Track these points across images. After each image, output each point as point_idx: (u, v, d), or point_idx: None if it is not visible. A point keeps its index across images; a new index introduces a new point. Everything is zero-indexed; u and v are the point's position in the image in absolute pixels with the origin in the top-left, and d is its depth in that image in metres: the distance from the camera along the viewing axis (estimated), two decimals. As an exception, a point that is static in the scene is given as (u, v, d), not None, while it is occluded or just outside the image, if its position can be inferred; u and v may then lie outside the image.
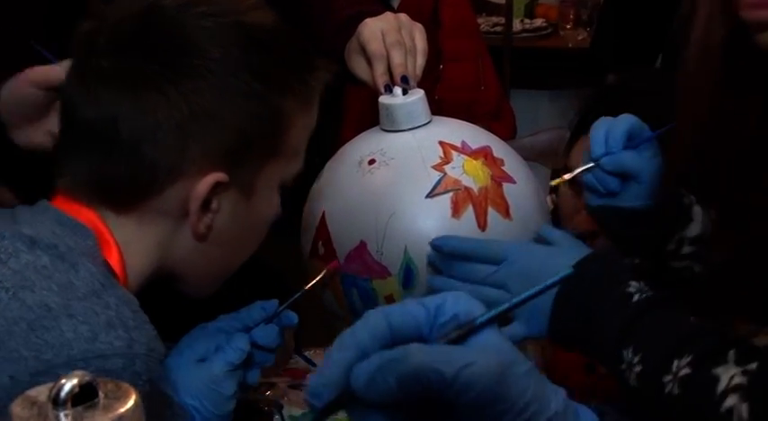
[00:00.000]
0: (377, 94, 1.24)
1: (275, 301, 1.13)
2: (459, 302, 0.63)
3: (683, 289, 1.17)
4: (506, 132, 2.48)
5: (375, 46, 1.24)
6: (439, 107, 1.34)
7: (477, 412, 0.59)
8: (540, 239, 1.12)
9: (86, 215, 1.00)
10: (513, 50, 3.31)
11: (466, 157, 1.17)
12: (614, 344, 0.98)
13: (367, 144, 1.21)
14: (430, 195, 1.14)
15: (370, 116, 1.30)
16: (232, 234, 1.06)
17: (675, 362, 0.94)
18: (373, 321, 0.62)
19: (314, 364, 1.30)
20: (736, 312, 1.03)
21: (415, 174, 1.15)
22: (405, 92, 1.21)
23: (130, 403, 0.49)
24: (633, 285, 1.01)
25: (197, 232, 1.03)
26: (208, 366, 1.08)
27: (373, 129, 1.24)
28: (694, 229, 1.19)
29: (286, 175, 1.08)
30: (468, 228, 1.13)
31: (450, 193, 1.14)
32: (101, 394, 0.49)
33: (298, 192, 1.27)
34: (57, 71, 1.16)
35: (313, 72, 1.08)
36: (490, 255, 1.10)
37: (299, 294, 1.15)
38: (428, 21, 2.32)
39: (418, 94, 1.21)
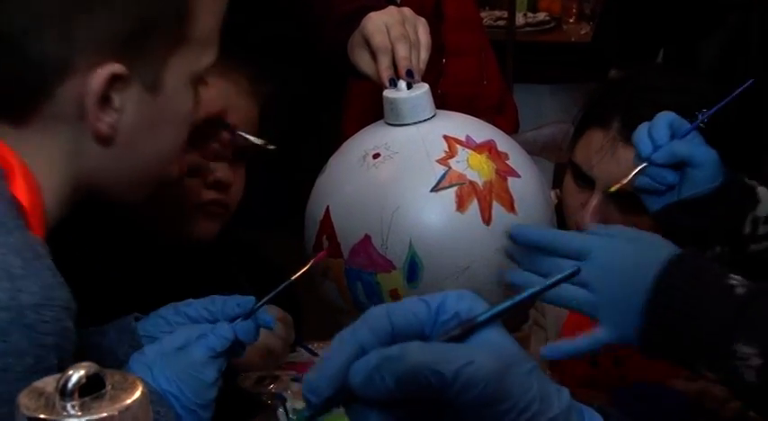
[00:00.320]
0: (379, 87, 1.24)
1: (252, 299, 1.08)
2: (461, 300, 0.62)
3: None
4: (509, 126, 2.48)
5: (379, 39, 1.24)
6: (442, 101, 1.33)
7: (478, 412, 0.58)
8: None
9: None
10: (516, 44, 3.32)
11: (470, 151, 1.17)
12: (724, 340, 0.92)
13: (371, 138, 1.21)
14: (434, 189, 1.14)
15: (372, 110, 1.30)
16: (143, 134, 0.98)
17: None
18: (374, 318, 0.61)
19: (316, 354, 1.30)
20: None
21: (419, 168, 1.15)
22: (409, 86, 1.21)
23: (137, 394, 0.49)
24: (734, 278, 0.96)
25: (99, 133, 0.94)
26: (188, 352, 1.02)
27: (377, 123, 1.24)
28: (764, 209, 1.19)
29: (198, 68, 1.00)
30: (472, 222, 1.13)
31: (455, 187, 1.14)
32: (108, 385, 0.49)
33: (301, 186, 1.27)
34: None
35: None
36: (571, 250, 1.03)
37: (283, 285, 1.09)
38: (431, 15, 2.31)
39: (423, 88, 1.21)
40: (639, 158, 1.17)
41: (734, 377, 0.92)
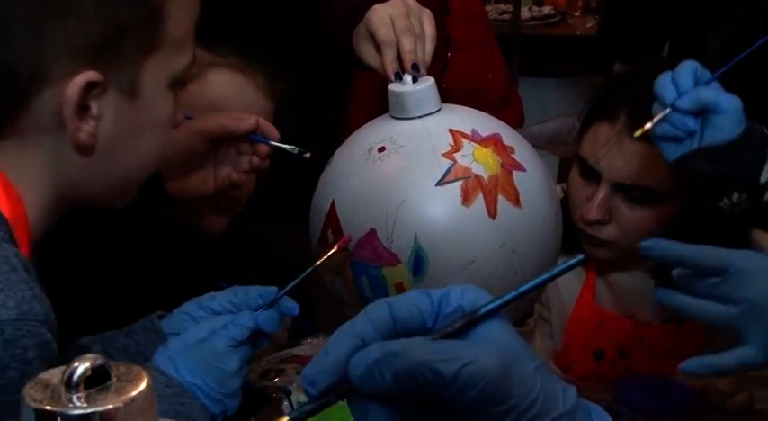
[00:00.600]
0: (385, 81, 1.23)
1: (274, 288, 1.10)
2: (465, 294, 0.61)
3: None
4: (514, 120, 2.47)
5: (384, 32, 1.24)
6: (447, 95, 1.33)
7: (478, 411, 0.58)
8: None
9: None
10: (522, 38, 3.31)
11: (476, 145, 1.17)
12: None
13: (377, 131, 1.21)
14: (440, 183, 1.14)
15: (378, 103, 1.30)
16: (123, 141, 0.96)
17: None
18: (375, 311, 0.60)
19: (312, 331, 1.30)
20: None
21: (425, 161, 1.15)
22: (415, 79, 1.21)
23: (143, 386, 0.49)
24: None
25: (79, 142, 0.93)
26: (210, 342, 1.04)
27: (383, 116, 1.24)
28: None
29: (175, 70, 0.98)
30: (478, 215, 1.13)
31: (461, 181, 1.14)
32: (113, 377, 0.49)
33: (306, 180, 1.27)
34: (223, 120, 1.17)
35: None
36: (709, 265, 1.03)
37: (306, 273, 1.13)
38: (436, 8, 2.30)
39: (428, 82, 1.21)
40: (661, 106, 1.17)
41: None
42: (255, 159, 1.32)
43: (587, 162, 1.53)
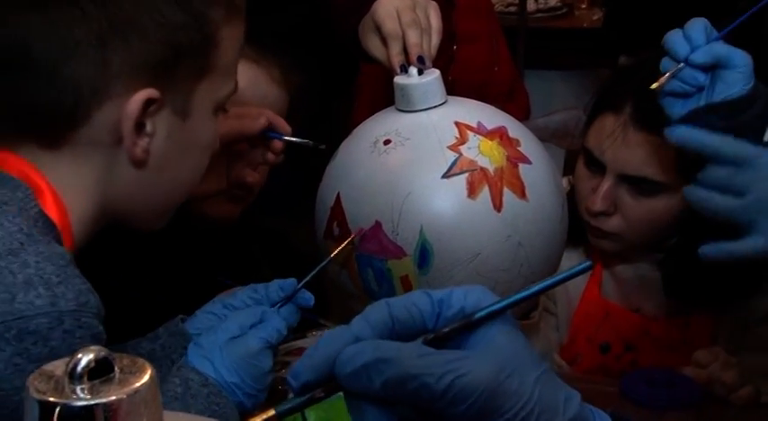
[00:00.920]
0: (390, 73, 1.23)
1: (293, 280, 1.13)
2: (468, 295, 0.60)
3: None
4: (520, 113, 2.47)
5: (390, 25, 1.23)
6: (452, 88, 1.33)
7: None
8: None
9: (16, 165, 0.96)
10: (528, 30, 3.30)
11: (481, 138, 1.16)
12: None
13: (382, 124, 1.21)
14: (446, 176, 1.13)
15: (383, 96, 1.30)
16: (171, 159, 1.01)
17: None
18: (374, 312, 0.59)
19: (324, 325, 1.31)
20: None
21: (430, 154, 1.15)
22: (420, 72, 1.21)
23: (146, 378, 0.49)
24: None
25: (135, 157, 0.98)
26: (244, 342, 1.07)
27: (388, 109, 1.24)
28: None
29: (220, 96, 1.04)
30: (483, 208, 1.13)
31: (466, 174, 1.13)
32: (117, 369, 0.49)
33: (312, 173, 1.27)
34: (233, 124, 1.19)
35: None
36: (728, 154, 1.06)
37: (323, 264, 1.15)
38: (442, 0, 2.30)
39: (434, 75, 1.21)
40: (673, 62, 1.17)
41: None
42: (270, 155, 1.33)
43: (592, 153, 1.52)
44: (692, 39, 1.16)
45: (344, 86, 2.00)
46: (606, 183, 1.50)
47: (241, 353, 1.06)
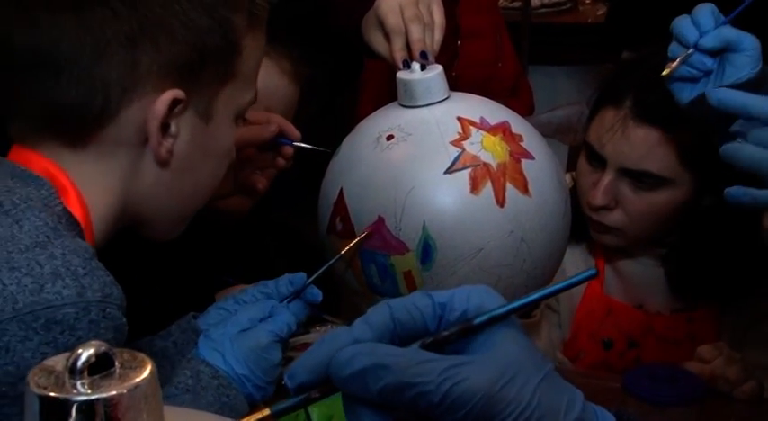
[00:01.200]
0: (394, 69, 1.23)
1: (303, 275, 1.14)
2: (470, 297, 0.59)
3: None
4: (524, 109, 2.46)
5: (393, 21, 1.23)
6: (456, 83, 1.33)
7: None
8: None
9: (40, 163, 0.98)
10: (532, 26, 3.29)
11: (484, 133, 1.16)
12: None
13: (385, 120, 1.21)
14: (448, 171, 1.13)
15: (387, 92, 1.30)
16: (192, 162, 1.03)
17: None
18: (376, 314, 0.59)
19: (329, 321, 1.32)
20: None
21: (433, 149, 1.15)
22: (423, 67, 1.21)
23: (146, 373, 0.49)
24: None
25: (159, 157, 1.00)
26: (254, 335, 1.09)
27: (391, 104, 1.24)
28: None
29: (241, 104, 1.06)
30: (486, 204, 1.13)
31: (469, 169, 1.13)
32: (117, 364, 0.49)
33: (316, 168, 1.27)
34: (244, 134, 1.20)
35: None
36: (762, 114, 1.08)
37: (333, 261, 1.15)
38: (446, -4, 2.30)
39: (437, 70, 1.21)
40: (682, 47, 1.17)
41: None
42: (281, 160, 1.33)
43: (593, 147, 1.53)
44: (701, 24, 1.17)
45: (349, 82, 2.00)
46: (607, 178, 1.50)
47: (251, 346, 1.08)
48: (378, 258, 1.15)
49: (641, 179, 1.49)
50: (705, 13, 1.18)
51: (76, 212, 0.97)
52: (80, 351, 0.48)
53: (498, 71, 2.52)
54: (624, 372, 1.42)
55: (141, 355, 0.50)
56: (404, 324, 0.58)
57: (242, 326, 1.09)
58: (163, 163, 1.01)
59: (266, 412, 0.56)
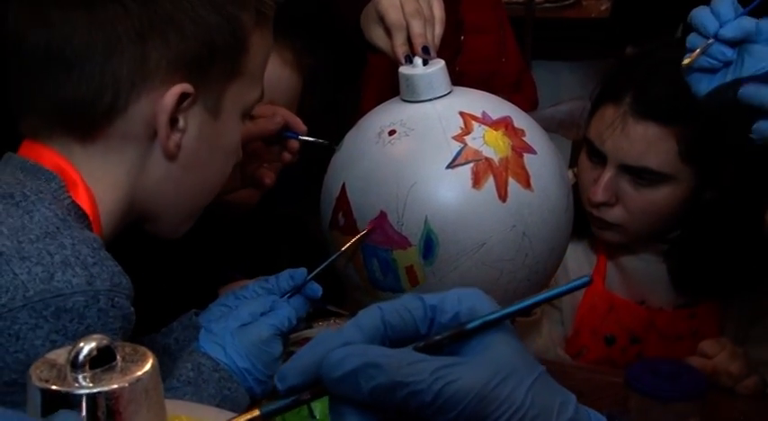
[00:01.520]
0: (396, 64, 1.23)
1: (304, 270, 1.15)
2: (462, 300, 0.59)
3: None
4: (527, 105, 2.46)
5: (394, 15, 1.23)
6: (460, 79, 1.33)
7: None
8: None
9: (50, 158, 1.00)
10: (536, 21, 3.29)
11: (486, 128, 1.16)
12: None
13: (387, 115, 1.21)
14: (450, 166, 1.13)
15: (391, 87, 1.30)
16: (200, 158, 1.05)
17: None
18: (366, 316, 0.58)
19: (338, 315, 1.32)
20: None
21: (435, 144, 1.15)
22: (425, 62, 1.21)
23: (148, 366, 0.49)
24: None
25: (167, 151, 1.02)
26: (255, 329, 1.10)
27: (393, 99, 1.24)
28: None
29: (247, 101, 1.08)
30: (488, 198, 1.13)
31: (471, 164, 1.13)
32: (119, 357, 0.50)
33: (319, 164, 1.27)
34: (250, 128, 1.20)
35: None
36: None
37: (334, 256, 1.16)
38: (449, -9, 2.30)
39: (438, 65, 1.21)
40: (699, 38, 1.17)
41: None
42: (286, 154, 1.33)
43: (593, 144, 1.53)
44: (721, 14, 1.16)
45: (352, 77, 2.00)
46: (607, 174, 1.50)
47: (252, 340, 1.09)
48: (380, 253, 1.15)
49: (641, 175, 1.49)
50: (725, 2, 1.17)
51: (85, 206, 0.99)
52: (82, 344, 0.48)
53: (502, 66, 2.52)
54: (626, 367, 1.41)
55: (143, 349, 0.50)
56: (394, 326, 0.58)
57: (243, 321, 1.10)
58: (171, 157, 1.02)
59: (255, 413, 0.55)
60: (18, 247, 0.90)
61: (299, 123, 1.34)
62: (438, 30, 1.24)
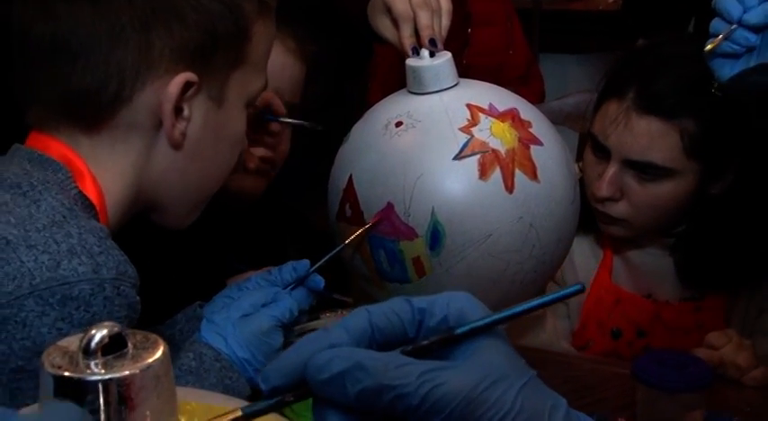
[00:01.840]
0: (403, 55, 1.23)
1: (307, 262, 1.15)
2: (450, 304, 0.58)
3: None
4: (534, 97, 2.46)
5: (401, 7, 1.23)
6: (467, 71, 1.33)
7: None
8: None
9: (56, 148, 1.01)
10: (543, 13, 3.29)
11: (493, 120, 1.17)
12: None
13: (394, 106, 1.21)
14: (457, 157, 1.14)
15: (397, 79, 1.30)
16: (205, 147, 1.05)
17: None
18: (353, 319, 0.57)
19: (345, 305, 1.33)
20: None
21: (442, 136, 1.15)
22: (432, 54, 1.21)
23: (159, 353, 0.50)
24: None
25: (173, 140, 1.02)
26: (256, 319, 1.10)
27: (400, 91, 1.24)
28: None
29: (251, 90, 1.08)
30: (495, 190, 1.13)
31: (478, 155, 1.14)
32: (130, 344, 0.50)
33: (326, 156, 1.28)
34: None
35: None
36: None
37: (337, 249, 1.16)
38: (456, -17, 2.30)
39: (445, 57, 1.21)
40: (723, 24, 1.17)
41: None
42: (268, 138, 1.33)
43: (598, 139, 1.53)
44: (744, 1, 1.16)
45: (359, 69, 2.00)
46: (611, 169, 1.50)
47: (253, 330, 1.09)
48: (387, 244, 1.16)
49: (645, 170, 1.49)
50: None
51: (92, 196, 1.00)
52: (94, 331, 0.49)
53: (509, 59, 2.52)
54: (633, 359, 1.42)
55: (154, 336, 0.50)
56: (382, 329, 0.57)
57: (244, 311, 1.11)
58: (176, 146, 1.03)
59: (238, 413, 0.54)
60: (25, 236, 0.90)
61: (279, 106, 1.34)
62: (445, 21, 1.24)
